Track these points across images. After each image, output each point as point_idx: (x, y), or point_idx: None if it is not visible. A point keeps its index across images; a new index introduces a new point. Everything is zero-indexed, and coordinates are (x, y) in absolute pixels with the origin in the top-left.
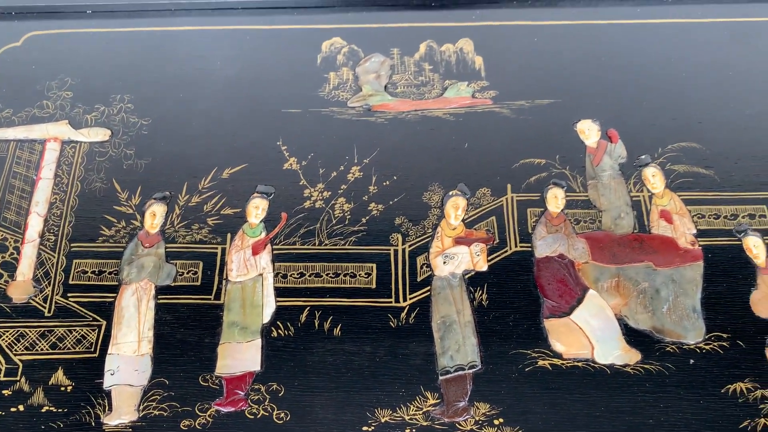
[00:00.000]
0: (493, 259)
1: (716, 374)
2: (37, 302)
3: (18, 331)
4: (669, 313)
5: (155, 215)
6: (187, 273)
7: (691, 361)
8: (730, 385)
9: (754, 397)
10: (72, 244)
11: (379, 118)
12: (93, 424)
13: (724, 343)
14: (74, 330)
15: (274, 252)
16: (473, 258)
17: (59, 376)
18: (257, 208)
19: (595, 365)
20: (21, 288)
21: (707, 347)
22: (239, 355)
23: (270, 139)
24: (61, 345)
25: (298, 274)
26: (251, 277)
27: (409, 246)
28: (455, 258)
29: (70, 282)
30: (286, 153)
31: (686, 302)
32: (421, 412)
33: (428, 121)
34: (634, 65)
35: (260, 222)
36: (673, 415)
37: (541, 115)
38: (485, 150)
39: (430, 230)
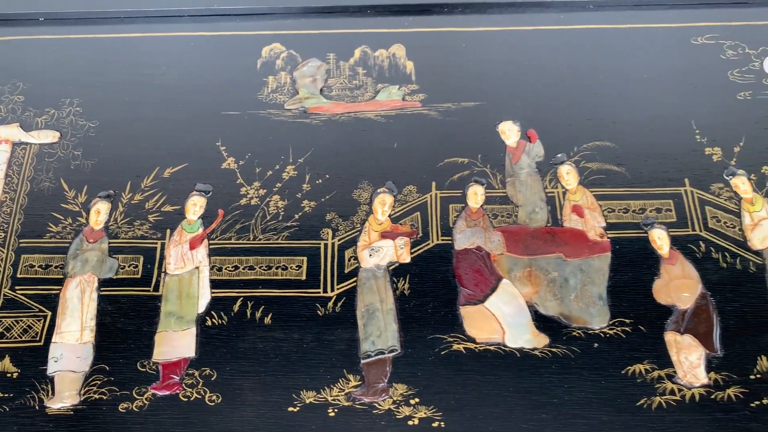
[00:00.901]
0: (416, 251)
1: (618, 357)
2: None
3: None
4: (576, 301)
5: (99, 212)
6: (129, 266)
7: (595, 344)
8: (630, 367)
9: (651, 378)
10: (21, 240)
11: (314, 120)
12: (37, 407)
13: (626, 328)
14: (21, 320)
15: (211, 246)
16: (397, 251)
17: (6, 364)
18: (195, 206)
19: (506, 349)
20: None
21: (611, 332)
22: (175, 342)
23: (209, 140)
24: (8, 335)
25: (232, 267)
26: (188, 270)
27: (339, 240)
28: (380, 251)
29: (18, 276)
30: (225, 153)
31: (593, 290)
32: (343, 393)
33: (360, 123)
34: (555, 69)
35: (198, 218)
36: (576, 395)
37: (466, 116)
38: (413, 150)
39: (358, 225)
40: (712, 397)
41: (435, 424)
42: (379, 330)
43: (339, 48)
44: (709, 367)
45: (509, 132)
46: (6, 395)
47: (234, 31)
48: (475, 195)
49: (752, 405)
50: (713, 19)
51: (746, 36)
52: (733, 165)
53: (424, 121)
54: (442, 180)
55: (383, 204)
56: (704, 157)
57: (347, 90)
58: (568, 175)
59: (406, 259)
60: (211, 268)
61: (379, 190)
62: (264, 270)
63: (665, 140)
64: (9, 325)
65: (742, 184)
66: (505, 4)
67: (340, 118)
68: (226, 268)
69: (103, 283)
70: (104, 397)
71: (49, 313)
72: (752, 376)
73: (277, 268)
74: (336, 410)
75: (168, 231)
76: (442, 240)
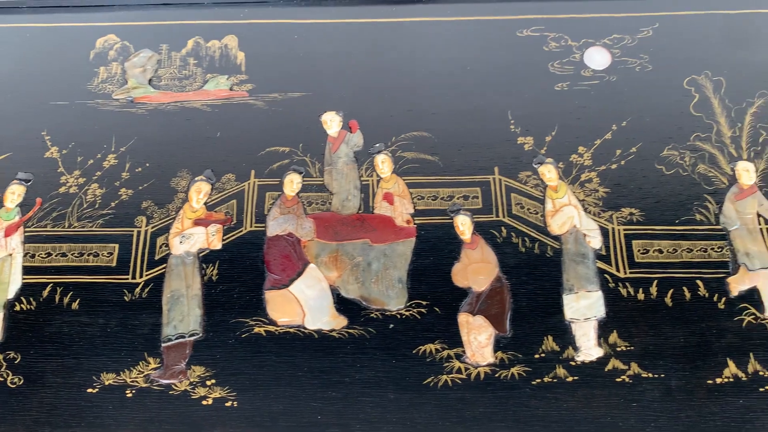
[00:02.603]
0: (228, 238)
1: (411, 337)
2: None
3: None
4: (376, 283)
5: None
6: None
7: (391, 325)
8: (421, 347)
9: (441, 357)
10: None
11: (140, 110)
12: None
13: (422, 310)
14: None
15: (26, 234)
16: (209, 237)
17: None
18: (14, 194)
19: (305, 330)
20: None
21: (407, 313)
22: None
23: (35, 130)
24: None
25: (45, 254)
26: (1, 257)
27: (152, 228)
28: (191, 238)
29: None
30: (49, 142)
31: (394, 274)
32: (142, 376)
33: (186, 112)
34: (381, 61)
35: (15, 206)
36: (367, 373)
37: (291, 106)
38: (236, 139)
39: (174, 213)
40: (497, 375)
41: (228, 404)
42: (182, 315)
43: (172, 39)
44: (497, 347)
45: (331, 122)
46: None
47: (70, 22)
48: (291, 183)
49: (533, 383)
50: (539, 11)
51: (569, 28)
52: (542, 154)
53: (249, 111)
54: (261, 168)
55: (199, 192)
56: (516, 147)
57: (176, 80)
58: (383, 164)
59: (217, 245)
60: (24, 255)
61: (196, 178)
62: (76, 257)
63: (480, 130)
64: None
65: (548, 172)
66: (335, 1)
67: (167, 108)
68: (39, 255)
69: None
70: None
71: None
72: (537, 356)
73: (88, 255)
74: (133, 391)
75: None
76: (256, 227)
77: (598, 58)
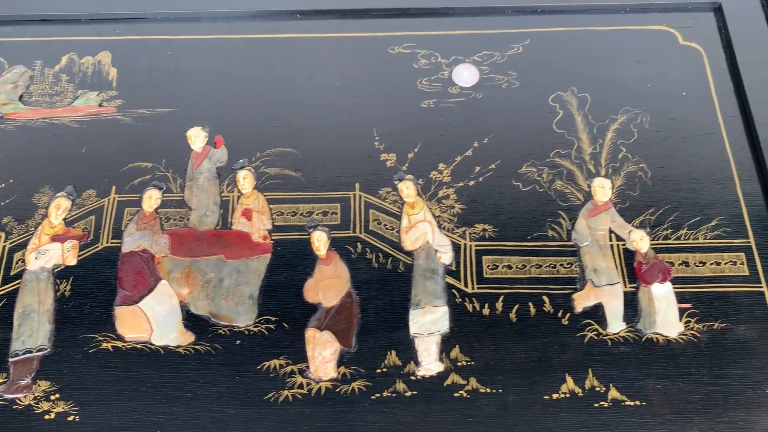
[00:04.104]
0: (84, 254)
1: (257, 353)
2: None
3: None
4: (226, 300)
5: None
6: None
7: (238, 342)
8: (266, 362)
9: (284, 372)
10: None
11: (8, 126)
12: None
13: (271, 326)
14: None
15: None
16: (64, 254)
17: None
18: None
19: (152, 346)
20: None
21: (255, 329)
22: None
23: None
24: None
25: None
26: None
27: (10, 243)
28: (47, 254)
29: None
30: None
31: (245, 290)
32: None
33: (54, 128)
34: (252, 78)
35: None
36: (210, 389)
37: (159, 122)
38: (101, 155)
39: (33, 229)
40: (337, 390)
41: (70, 418)
42: (32, 330)
43: (47, 55)
44: (341, 362)
45: (195, 137)
46: None
47: None
48: (150, 199)
49: (372, 398)
50: (412, 28)
51: (440, 45)
52: (403, 170)
53: (116, 127)
54: (122, 184)
55: (58, 208)
56: (378, 163)
57: (47, 96)
58: (245, 180)
59: (72, 261)
60: None
61: (56, 195)
62: None
63: (345, 146)
64: None
65: (406, 188)
66: (210, 17)
67: (35, 124)
68: None
69: None
70: None
71: None
72: (378, 370)
73: None
74: None
75: None
76: (112, 243)
77: (466, 75)
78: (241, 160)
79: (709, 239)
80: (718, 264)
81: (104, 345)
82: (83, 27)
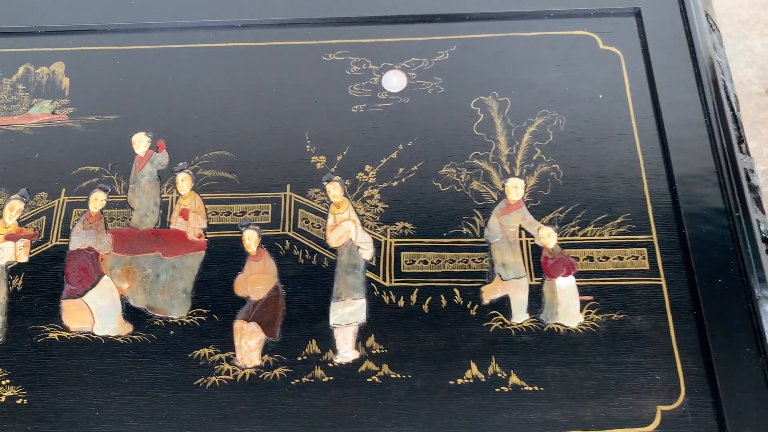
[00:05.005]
0: (35, 251)
1: (189, 342)
2: None
3: None
4: (162, 293)
5: None
6: None
7: (171, 332)
8: (197, 351)
9: (213, 360)
10: None
11: None
12: None
13: (202, 318)
14: None
15: None
16: (16, 251)
17: None
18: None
19: (94, 336)
20: None
21: (188, 321)
22: None
23: None
24: None
25: None
26: None
27: None
28: (1, 251)
29: None
30: None
31: (180, 285)
32: None
33: (10, 135)
34: (195, 85)
35: None
36: (145, 375)
37: (106, 129)
38: (52, 160)
39: None
40: (261, 376)
41: (19, 401)
42: None
43: (6, 66)
44: (265, 351)
45: (139, 143)
46: None
47: None
48: (96, 200)
49: (292, 383)
50: (345, 36)
51: (371, 52)
52: (332, 172)
53: (67, 133)
54: (72, 187)
55: (12, 209)
56: (309, 165)
57: (5, 105)
58: (183, 182)
59: (24, 258)
60: None
61: (11, 197)
62: None
63: (278, 150)
64: None
65: (333, 189)
66: (158, 28)
67: None
68: None
69: None
70: None
71: None
72: (299, 358)
73: None
74: None
75: None
76: (60, 241)
77: (394, 81)
78: (180, 164)
79: (614, 236)
80: (621, 259)
81: (51, 335)
82: (39, 39)
